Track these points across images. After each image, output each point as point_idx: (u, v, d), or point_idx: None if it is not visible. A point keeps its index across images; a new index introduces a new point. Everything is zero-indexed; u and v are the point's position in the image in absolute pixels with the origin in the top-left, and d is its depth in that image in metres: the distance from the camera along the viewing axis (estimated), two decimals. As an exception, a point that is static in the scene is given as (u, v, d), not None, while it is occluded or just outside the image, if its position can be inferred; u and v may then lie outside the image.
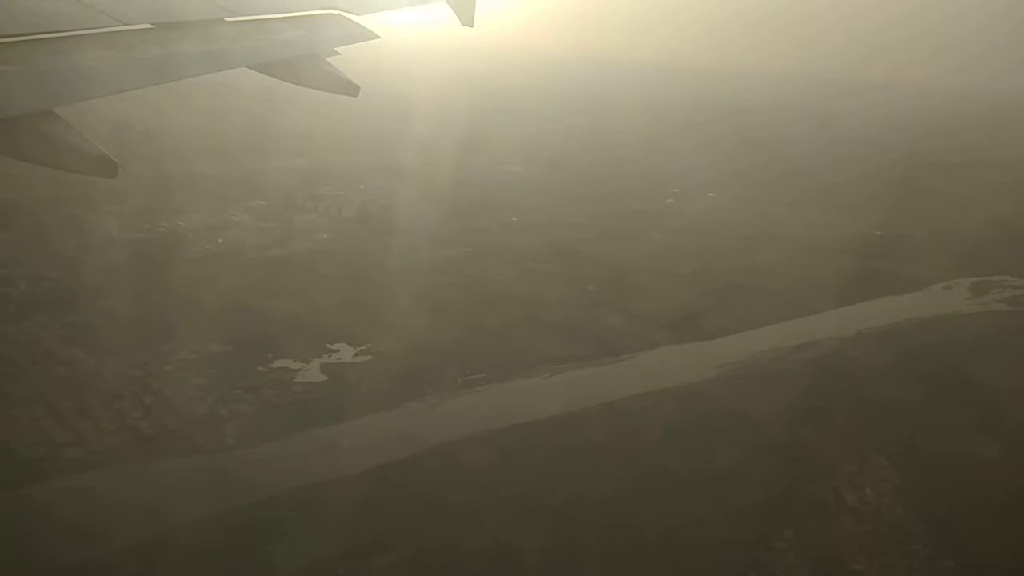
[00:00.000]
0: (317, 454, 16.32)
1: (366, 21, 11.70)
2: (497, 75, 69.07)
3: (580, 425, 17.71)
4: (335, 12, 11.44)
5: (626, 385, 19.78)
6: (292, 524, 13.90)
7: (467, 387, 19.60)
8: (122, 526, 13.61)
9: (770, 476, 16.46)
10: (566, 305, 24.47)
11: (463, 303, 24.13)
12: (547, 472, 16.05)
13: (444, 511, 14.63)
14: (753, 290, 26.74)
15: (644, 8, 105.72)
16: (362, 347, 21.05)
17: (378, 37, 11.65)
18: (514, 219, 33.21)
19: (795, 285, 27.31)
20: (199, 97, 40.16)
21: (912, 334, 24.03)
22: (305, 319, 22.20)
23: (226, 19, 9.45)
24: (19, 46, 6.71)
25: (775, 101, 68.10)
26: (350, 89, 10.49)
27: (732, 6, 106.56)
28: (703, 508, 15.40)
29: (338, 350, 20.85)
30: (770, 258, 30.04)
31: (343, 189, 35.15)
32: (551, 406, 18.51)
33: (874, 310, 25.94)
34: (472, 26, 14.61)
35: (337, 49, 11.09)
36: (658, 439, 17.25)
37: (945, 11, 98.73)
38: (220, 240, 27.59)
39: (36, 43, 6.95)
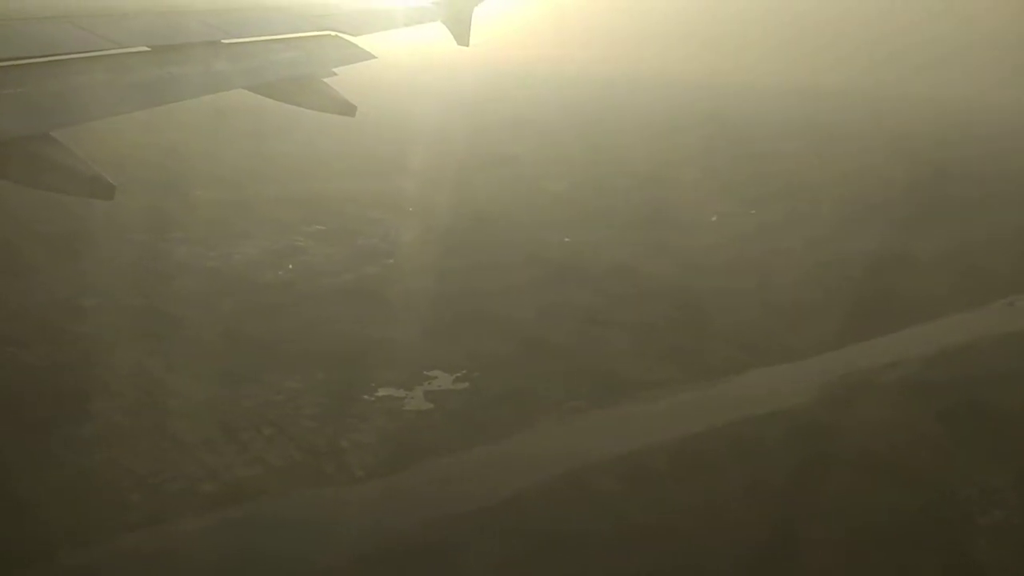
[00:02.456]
0: (448, 484, 16.39)
1: (362, 42, 11.88)
2: (500, 92, 69.33)
3: (702, 450, 17.84)
4: (331, 33, 11.64)
5: (729, 409, 19.89)
6: (458, 553, 13.99)
7: (573, 413, 19.71)
8: (287, 556, 13.71)
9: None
10: (645, 328, 24.58)
11: (546, 325, 24.21)
12: (678, 500, 16.17)
13: (599, 542, 14.71)
14: (818, 309, 26.92)
15: (640, 26, 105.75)
16: (458, 373, 21.13)
17: (375, 57, 11.85)
18: (566, 239, 33.34)
19: (856, 306, 27.41)
20: (204, 119, 40.35)
21: (993, 352, 24.25)
22: (394, 345, 22.26)
23: (223, 41, 9.61)
24: (16, 69, 6.82)
25: (796, 115, 68.32)
26: (347, 109, 10.71)
27: (730, 22, 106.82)
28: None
29: (436, 377, 20.92)
30: (826, 276, 30.22)
31: (392, 212, 35.16)
32: (664, 431, 18.66)
33: (945, 328, 26.17)
34: (468, 46, 14.83)
35: (334, 70, 11.26)
36: (782, 464, 17.39)
37: (953, 21, 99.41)
38: (290, 266, 27.65)
39: (33, 66, 7.05)
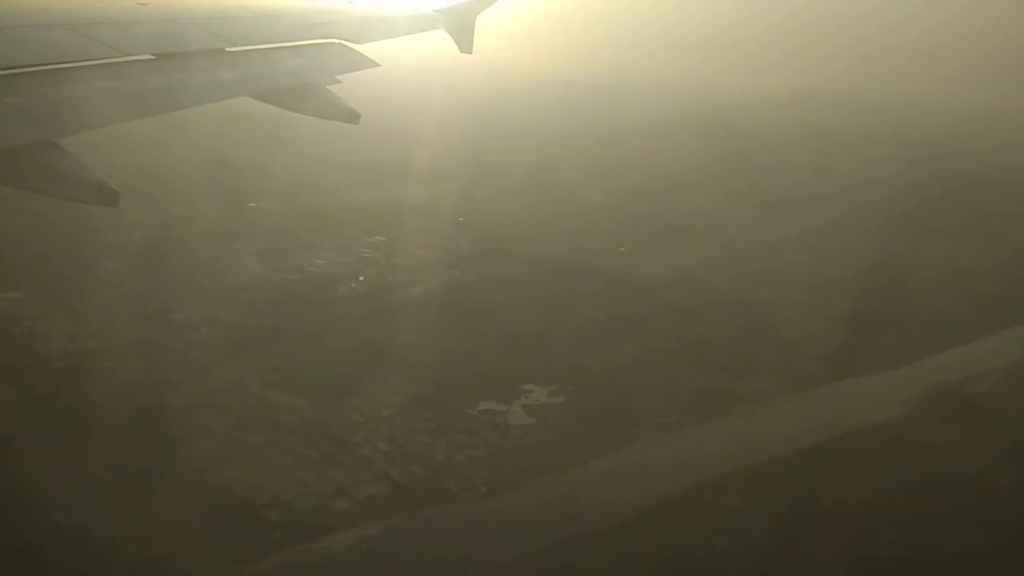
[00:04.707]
0: (574, 501, 16.61)
1: (366, 49, 12.05)
2: (510, 99, 69.51)
3: (810, 463, 18.13)
4: (335, 41, 11.80)
5: (820, 424, 20.17)
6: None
7: (672, 428, 19.95)
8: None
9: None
10: (721, 343, 24.81)
11: (624, 337, 24.44)
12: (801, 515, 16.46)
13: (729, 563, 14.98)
14: (887, 322, 27.17)
15: (647, 34, 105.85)
16: (552, 387, 21.33)
17: (378, 65, 12.04)
18: (622, 249, 33.59)
19: (919, 317, 27.70)
20: (213, 127, 40.66)
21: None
22: (482, 357, 22.51)
23: (227, 49, 9.77)
24: (22, 77, 6.97)
25: (810, 121, 68.59)
26: (351, 117, 10.92)
27: (740, 28, 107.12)
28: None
29: (531, 390, 21.13)
30: (885, 289, 30.53)
31: (443, 222, 35.29)
32: (767, 445, 18.95)
33: (1011, 340, 26.54)
34: (471, 53, 15.04)
35: (338, 77, 11.43)
36: (894, 477, 17.70)
37: (962, 31, 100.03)
38: (361, 278, 27.83)
39: (39, 74, 7.21)
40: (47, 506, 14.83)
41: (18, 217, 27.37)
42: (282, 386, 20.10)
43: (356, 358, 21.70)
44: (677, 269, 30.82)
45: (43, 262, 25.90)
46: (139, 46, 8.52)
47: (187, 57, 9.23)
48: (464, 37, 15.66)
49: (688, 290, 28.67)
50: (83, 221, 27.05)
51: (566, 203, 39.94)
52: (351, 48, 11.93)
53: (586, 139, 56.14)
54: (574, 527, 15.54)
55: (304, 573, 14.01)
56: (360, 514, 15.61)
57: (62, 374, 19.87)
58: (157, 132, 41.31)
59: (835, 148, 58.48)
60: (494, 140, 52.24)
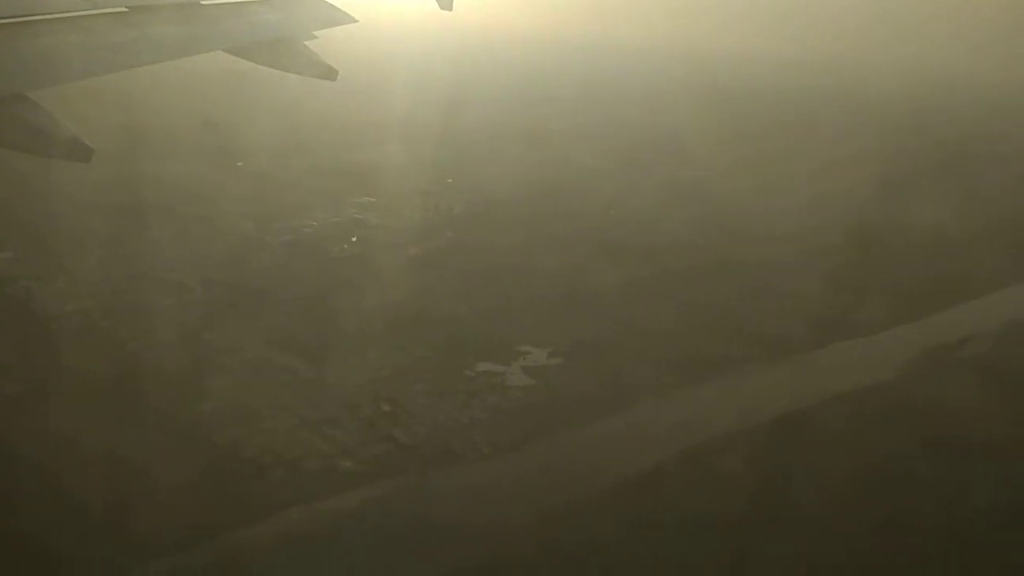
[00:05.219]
0: (578, 459, 16.75)
1: (343, 4, 11.89)
2: (492, 58, 68.81)
3: (806, 425, 18.35)
4: None
5: (812, 387, 20.38)
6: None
7: (671, 389, 20.08)
8: (440, 534, 14.04)
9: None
10: (717, 306, 24.90)
11: (616, 300, 24.47)
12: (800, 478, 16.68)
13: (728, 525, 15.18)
14: (880, 287, 27.33)
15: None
16: (549, 348, 21.38)
17: (356, 21, 11.89)
18: (613, 214, 33.51)
19: (913, 280, 27.88)
20: (187, 82, 40.42)
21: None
22: (478, 319, 22.52)
23: (202, 1, 9.63)
24: None
25: (812, 85, 68.04)
26: (329, 73, 10.77)
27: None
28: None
29: (529, 352, 21.17)
30: (882, 252, 30.64)
31: (432, 183, 35.03)
32: (762, 409, 19.13)
33: (1000, 303, 26.82)
34: (451, 10, 14.91)
35: (315, 33, 11.29)
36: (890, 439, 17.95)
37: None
38: (354, 239, 27.66)
39: (8, 27, 7.10)
40: (47, 469, 14.76)
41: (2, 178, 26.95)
42: (281, 346, 20.05)
43: (353, 319, 21.65)
44: (672, 232, 30.86)
45: (31, 222, 25.59)
46: None
47: (159, 10, 9.05)
48: (444, -8, 15.37)
49: (685, 254, 28.72)
50: (69, 180, 26.60)
51: (555, 166, 39.67)
52: (328, 3, 11.68)
53: (573, 101, 55.65)
54: (580, 488, 15.68)
55: (312, 532, 14.06)
56: (366, 474, 15.67)
57: (59, 335, 19.71)
58: (132, 88, 40.68)
59: (840, 113, 58.15)
60: (478, 100, 51.84)
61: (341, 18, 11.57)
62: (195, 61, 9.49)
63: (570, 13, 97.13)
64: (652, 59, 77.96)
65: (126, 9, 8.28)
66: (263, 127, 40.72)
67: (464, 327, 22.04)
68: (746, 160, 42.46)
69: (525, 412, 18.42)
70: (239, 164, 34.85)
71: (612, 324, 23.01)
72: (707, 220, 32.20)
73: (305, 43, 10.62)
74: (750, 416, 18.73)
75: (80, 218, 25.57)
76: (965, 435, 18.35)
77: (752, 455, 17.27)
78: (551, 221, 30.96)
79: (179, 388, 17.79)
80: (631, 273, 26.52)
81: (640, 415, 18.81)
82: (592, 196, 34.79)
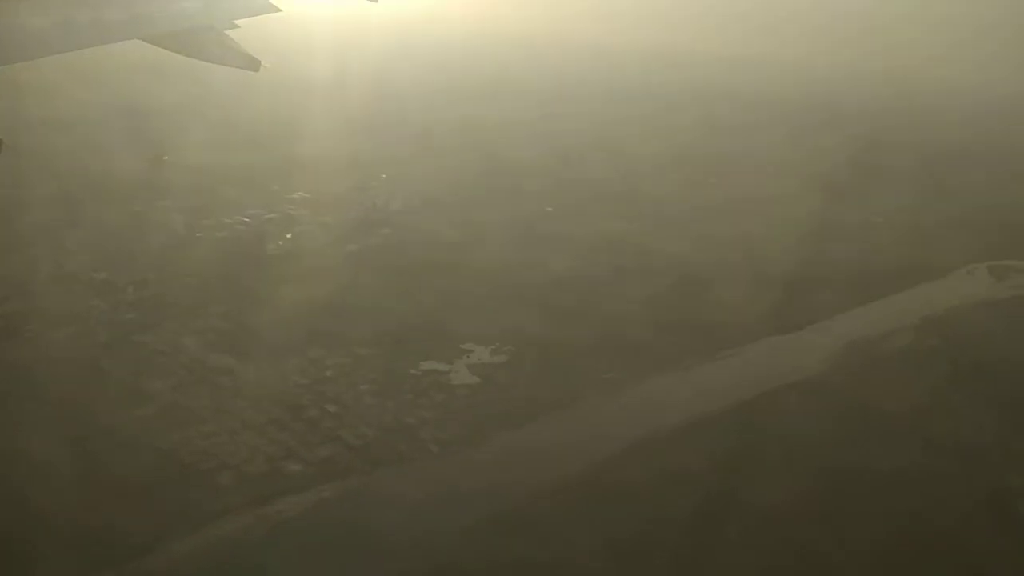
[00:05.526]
0: (528, 456, 16.75)
1: None
2: (424, 52, 68.82)
3: (746, 423, 18.69)
4: None
5: (756, 380, 20.77)
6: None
7: (616, 385, 20.18)
8: (393, 534, 13.89)
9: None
10: (659, 300, 25.13)
11: (557, 294, 24.55)
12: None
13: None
14: (820, 281, 27.81)
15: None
16: (492, 346, 21.34)
17: (279, 11, 11.86)
18: (549, 209, 33.56)
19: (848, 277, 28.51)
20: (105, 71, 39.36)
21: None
22: (419, 317, 22.35)
23: None
24: None
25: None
26: (251, 64, 10.64)
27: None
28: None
29: (472, 350, 21.08)
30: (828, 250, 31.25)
31: (369, 180, 34.60)
32: (711, 400, 19.41)
33: (922, 297, 27.70)
34: (376, 1, 14.86)
35: (237, 22, 11.19)
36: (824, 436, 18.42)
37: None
38: (289, 236, 27.16)
39: None
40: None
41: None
42: (220, 347, 19.60)
43: (293, 318, 21.30)
44: (609, 231, 31.02)
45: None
46: None
47: None
48: (369, -17, 15.01)
49: (623, 251, 28.87)
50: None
51: (491, 162, 39.53)
52: None
53: (505, 93, 55.59)
54: (531, 484, 15.69)
55: (261, 536, 13.77)
56: (314, 477, 15.41)
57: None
58: (49, 78, 39.43)
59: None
60: (408, 93, 51.56)
61: (264, 7, 11.23)
62: (111, 50, 9.14)
63: (507, 7, 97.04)
64: (578, 53, 78.44)
65: None
66: (188, 120, 39.85)
67: (406, 326, 21.85)
68: (679, 157, 43.01)
69: (471, 412, 18.31)
70: (165, 158, 33.96)
71: (554, 319, 23.08)
72: (645, 216, 32.48)
73: (227, 32, 10.27)
74: (697, 408, 18.97)
75: None
76: (891, 424, 18.98)
77: (701, 447, 17.49)
78: (488, 215, 30.91)
79: (115, 393, 17.25)
80: (570, 267, 26.66)
81: (586, 410, 18.91)
82: (528, 190, 34.79)
